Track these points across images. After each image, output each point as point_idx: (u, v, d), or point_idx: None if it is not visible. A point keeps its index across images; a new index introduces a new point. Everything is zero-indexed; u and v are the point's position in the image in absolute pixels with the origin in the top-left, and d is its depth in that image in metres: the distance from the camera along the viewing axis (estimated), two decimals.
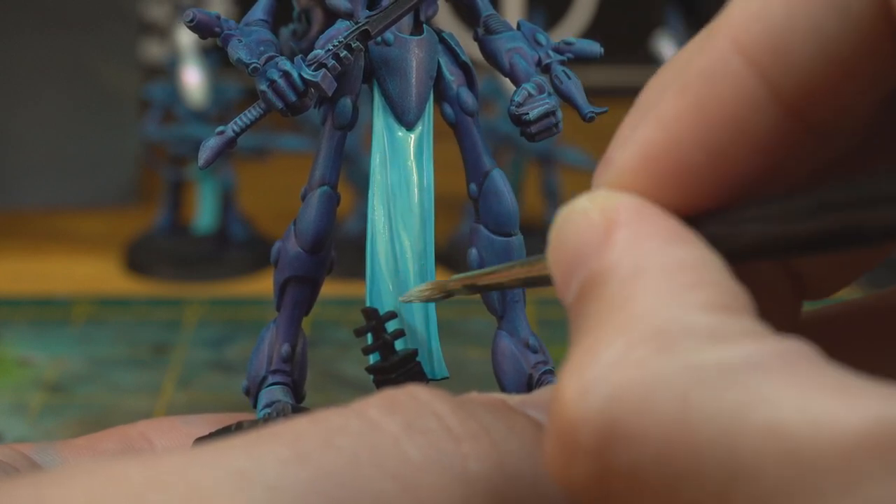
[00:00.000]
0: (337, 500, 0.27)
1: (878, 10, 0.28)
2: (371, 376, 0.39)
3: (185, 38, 0.90)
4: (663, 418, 0.26)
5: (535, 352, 0.41)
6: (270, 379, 0.41)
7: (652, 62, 0.94)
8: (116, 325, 0.79)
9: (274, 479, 0.27)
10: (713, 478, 0.25)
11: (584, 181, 1.05)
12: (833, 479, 0.24)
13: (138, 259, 0.89)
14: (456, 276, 0.38)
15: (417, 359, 0.39)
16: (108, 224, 0.97)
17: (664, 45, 0.92)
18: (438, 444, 0.29)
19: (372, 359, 0.39)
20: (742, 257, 0.29)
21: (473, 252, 0.41)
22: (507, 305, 0.41)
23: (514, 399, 0.32)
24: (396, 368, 0.38)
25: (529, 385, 0.41)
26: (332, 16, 0.40)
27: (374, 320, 0.38)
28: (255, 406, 0.41)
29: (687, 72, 0.30)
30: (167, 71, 0.91)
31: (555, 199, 0.90)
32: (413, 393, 0.30)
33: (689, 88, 0.29)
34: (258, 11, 0.40)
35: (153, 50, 1.10)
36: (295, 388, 0.41)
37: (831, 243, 0.28)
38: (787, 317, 0.33)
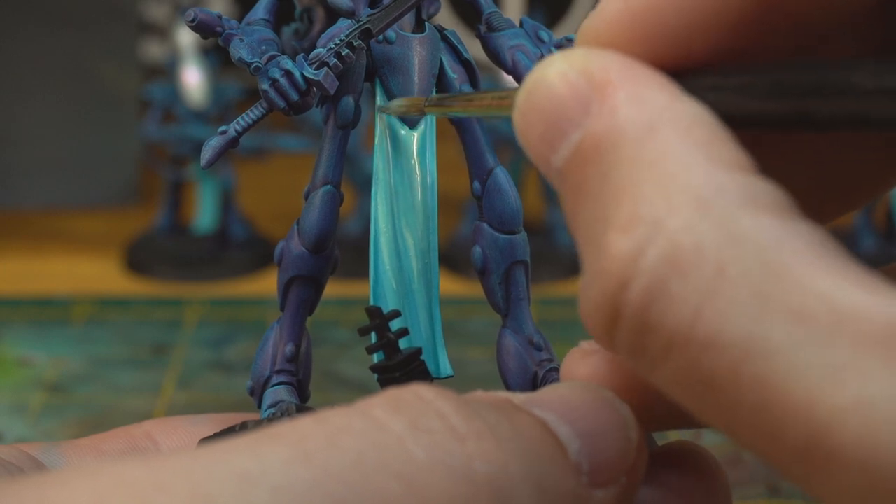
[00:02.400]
0: (342, 501, 0.27)
1: None
2: (375, 375, 0.39)
3: (185, 38, 0.90)
4: (700, 284, 0.27)
5: (539, 349, 0.41)
6: (275, 379, 0.41)
7: None
8: (116, 325, 0.79)
9: (278, 479, 0.27)
10: (732, 349, 0.26)
11: None
12: (846, 370, 0.25)
13: (138, 259, 0.89)
14: (431, 97, 0.38)
15: (421, 357, 0.39)
16: (108, 224, 0.97)
17: None
18: (443, 443, 0.28)
19: (376, 358, 0.39)
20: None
21: (477, 250, 0.41)
22: (512, 303, 0.41)
23: (520, 398, 0.31)
24: (400, 367, 0.38)
25: (534, 383, 0.41)
26: (333, 14, 0.40)
27: (378, 319, 0.38)
28: (259, 406, 0.41)
29: None
30: (167, 71, 0.91)
31: (555, 198, 0.90)
32: (417, 392, 0.30)
33: None
34: (260, 10, 0.40)
35: (153, 50, 1.10)
36: (300, 387, 0.41)
37: (782, 123, 0.28)
38: None
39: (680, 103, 0.28)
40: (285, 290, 0.41)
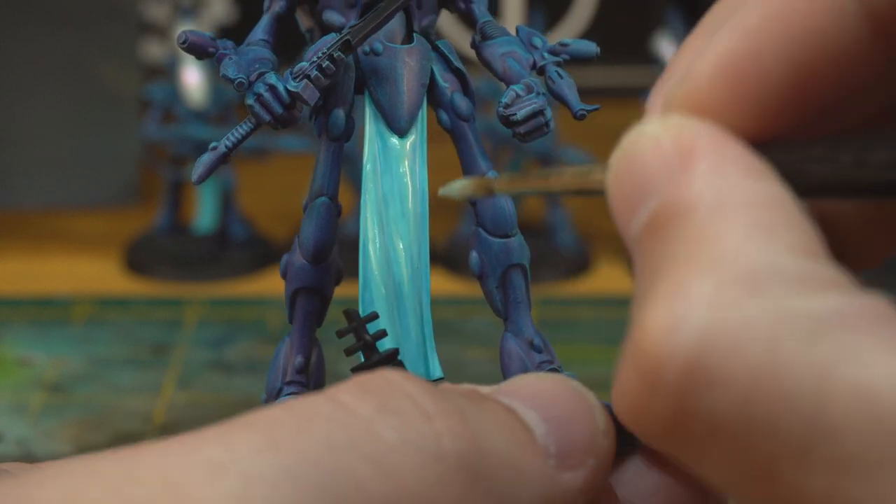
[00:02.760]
0: (313, 485, 0.27)
1: None
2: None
3: None
4: (751, 364, 0.25)
5: (539, 351, 0.41)
6: (285, 390, 0.42)
7: (652, 62, 0.94)
8: (116, 325, 0.79)
9: (249, 466, 0.27)
10: (794, 432, 0.25)
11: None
12: None
13: (138, 259, 0.89)
14: (502, 178, 0.37)
15: (399, 357, 0.39)
16: (108, 224, 0.97)
17: (664, 45, 0.92)
18: (412, 423, 0.29)
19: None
20: (805, 195, 0.29)
21: (474, 255, 0.41)
22: (510, 307, 0.42)
23: (487, 389, 0.32)
24: (377, 368, 0.38)
25: None
26: (328, 31, 0.41)
27: (355, 321, 0.39)
28: None
29: None
30: (167, 71, 0.91)
31: (555, 199, 0.90)
32: (385, 376, 0.30)
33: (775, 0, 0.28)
34: (259, 32, 0.41)
35: (153, 50, 1.10)
36: None
37: (864, 193, 0.28)
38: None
39: (755, 182, 0.28)
40: (292, 302, 0.42)
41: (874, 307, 0.26)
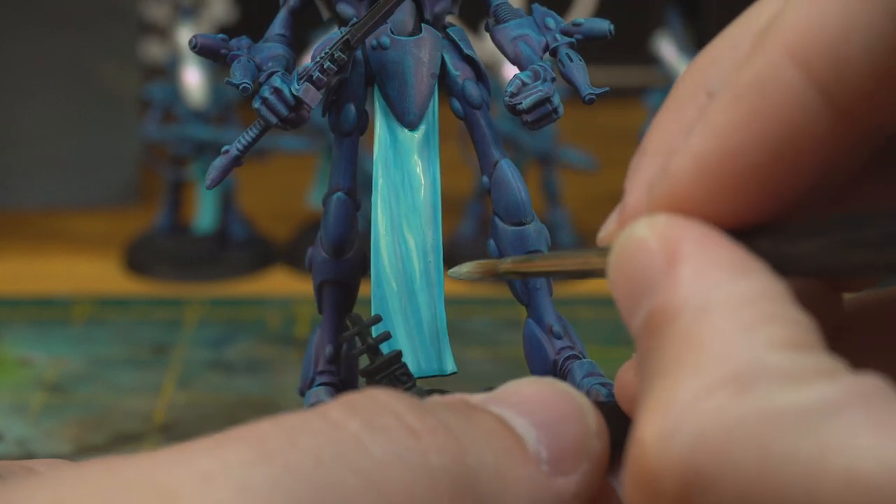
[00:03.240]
0: (302, 498, 0.27)
1: None
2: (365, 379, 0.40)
3: (185, 38, 0.90)
4: (744, 465, 0.26)
5: (559, 337, 0.42)
6: (318, 380, 0.42)
7: (652, 62, 0.94)
8: (116, 325, 0.79)
9: (240, 477, 0.27)
10: None
11: (584, 181, 1.05)
12: None
13: (138, 259, 0.89)
14: (507, 259, 0.38)
15: (402, 360, 0.39)
16: (108, 224, 0.97)
17: (664, 46, 0.92)
18: (399, 439, 0.29)
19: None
20: (797, 275, 0.29)
21: (491, 243, 0.42)
22: (531, 293, 0.42)
23: (476, 398, 0.32)
24: (381, 370, 0.39)
25: (554, 371, 0.41)
26: (344, 22, 0.41)
27: (359, 326, 0.39)
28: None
29: (739, 80, 0.30)
30: (167, 71, 0.91)
31: (555, 198, 0.90)
32: (371, 395, 0.30)
33: (743, 98, 0.29)
34: (276, 27, 0.41)
35: (153, 50, 1.10)
36: (343, 387, 0.42)
37: (886, 271, 0.29)
38: (828, 307, 0.33)
39: (740, 279, 0.28)
40: (319, 293, 0.42)
41: (862, 389, 0.26)
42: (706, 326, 0.28)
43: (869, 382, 0.26)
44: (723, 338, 0.28)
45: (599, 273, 0.32)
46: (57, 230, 0.96)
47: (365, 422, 0.29)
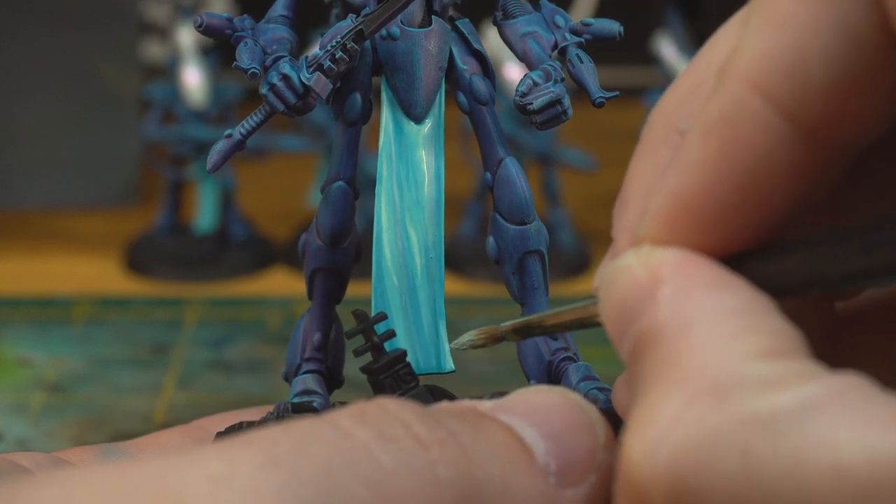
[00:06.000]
0: None
1: (879, 28, 0.28)
2: (366, 376, 0.39)
3: (186, 38, 0.90)
4: (727, 473, 0.26)
5: (554, 339, 0.41)
6: (304, 367, 0.42)
7: (652, 62, 0.94)
8: (116, 325, 0.79)
9: (248, 482, 0.27)
10: None
11: (584, 181, 1.05)
12: None
13: (138, 259, 0.89)
14: (506, 323, 0.38)
15: (406, 359, 0.39)
16: (108, 224, 0.97)
17: (664, 46, 0.92)
18: (408, 450, 0.29)
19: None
20: (785, 294, 0.30)
21: (491, 240, 0.41)
22: (527, 292, 0.42)
23: (486, 405, 0.32)
24: (385, 370, 0.38)
25: (549, 373, 0.41)
26: (350, 7, 0.41)
27: (363, 323, 0.39)
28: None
29: (706, 117, 0.30)
30: (167, 71, 0.91)
31: (555, 198, 0.90)
32: (381, 404, 0.30)
33: (711, 133, 0.30)
34: (279, 7, 0.41)
35: (153, 50, 1.10)
36: (330, 374, 0.42)
37: (874, 281, 0.29)
38: (821, 317, 0.34)
39: (718, 297, 0.29)
40: (310, 280, 0.42)
41: (841, 386, 0.26)
42: (687, 342, 0.28)
43: (847, 380, 0.27)
44: (703, 352, 0.28)
45: (597, 320, 0.33)
46: (57, 230, 0.96)
47: (374, 431, 0.29)
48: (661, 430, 0.27)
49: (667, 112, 0.33)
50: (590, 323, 0.35)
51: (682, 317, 0.29)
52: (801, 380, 0.27)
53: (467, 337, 0.39)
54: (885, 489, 0.25)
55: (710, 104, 0.30)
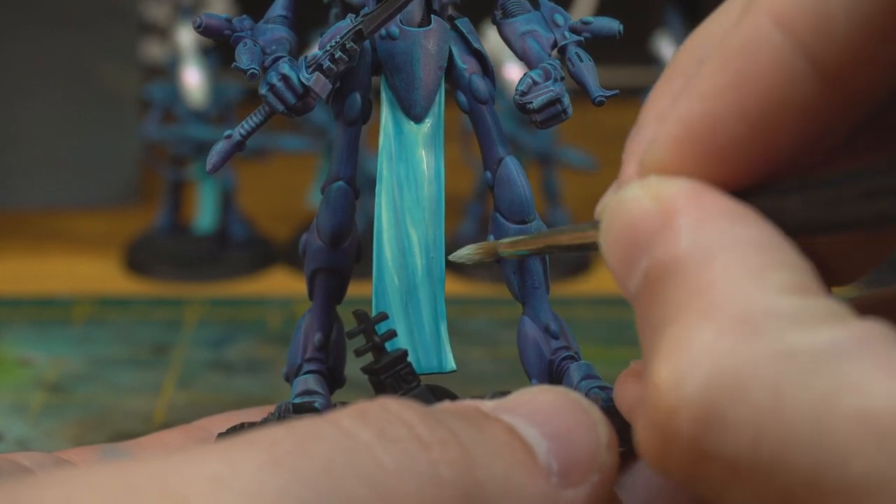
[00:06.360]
0: None
1: None
2: (367, 376, 0.39)
3: (186, 38, 0.90)
4: (757, 406, 0.26)
5: (555, 337, 0.41)
6: (305, 367, 0.42)
7: (652, 62, 0.94)
8: (116, 325, 0.79)
9: (249, 483, 0.27)
10: (804, 465, 0.26)
11: (584, 181, 1.05)
12: None
13: (138, 259, 0.89)
14: (505, 240, 0.39)
15: (407, 359, 0.39)
16: (108, 224, 0.97)
17: (664, 46, 0.92)
18: (410, 451, 0.29)
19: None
20: (787, 234, 0.30)
21: (491, 239, 0.41)
22: (528, 291, 0.42)
23: (488, 405, 0.32)
24: (386, 370, 0.38)
25: (550, 372, 0.41)
26: (349, 8, 0.40)
27: (364, 323, 0.39)
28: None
29: (725, 46, 0.30)
30: (167, 71, 0.91)
31: (555, 198, 0.90)
32: (383, 404, 0.30)
33: (729, 62, 0.30)
34: (278, 7, 0.41)
35: (153, 50, 1.10)
36: (331, 374, 0.42)
37: (873, 225, 0.29)
38: None
39: (739, 229, 0.29)
40: (311, 280, 0.42)
41: (869, 333, 0.27)
42: (712, 272, 0.28)
43: (876, 327, 0.27)
44: (731, 282, 0.28)
45: (596, 246, 0.32)
46: (57, 230, 0.96)
47: (376, 431, 0.29)
48: (693, 357, 0.27)
49: (693, 43, 0.33)
50: (587, 247, 0.34)
51: (702, 247, 0.29)
52: (831, 320, 0.27)
53: (466, 251, 0.39)
54: None
55: (732, 34, 0.30)
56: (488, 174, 0.41)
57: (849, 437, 0.25)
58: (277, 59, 0.39)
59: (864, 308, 0.35)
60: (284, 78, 0.38)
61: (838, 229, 0.30)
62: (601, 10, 1.11)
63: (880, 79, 0.30)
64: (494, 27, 0.42)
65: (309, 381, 0.41)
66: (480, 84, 0.41)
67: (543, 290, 0.42)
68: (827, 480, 0.26)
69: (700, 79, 0.30)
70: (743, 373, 0.27)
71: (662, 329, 0.29)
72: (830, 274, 0.34)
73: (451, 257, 0.40)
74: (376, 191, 0.40)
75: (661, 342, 0.28)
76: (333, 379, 0.42)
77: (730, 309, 0.28)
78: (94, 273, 0.89)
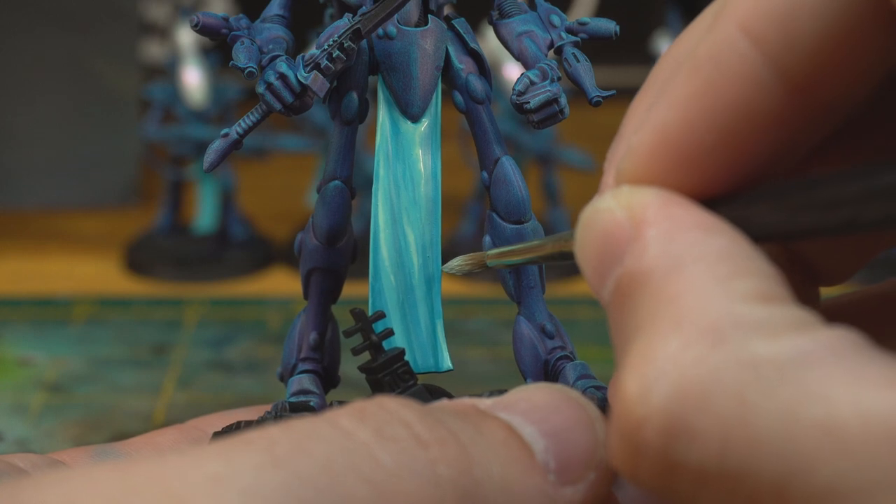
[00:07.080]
0: (311, 503, 0.27)
1: None
2: (364, 374, 0.40)
3: (186, 38, 0.90)
4: (723, 415, 0.27)
5: (551, 337, 0.42)
6: (300, 367, 0.42)
7: (652, 62, 0.94)
8: (116, 325, 0.79)
9: (248, 482, 0.27)
10: (770, 473, 0.26)
11: (583, 181, 1.05)
12: (886, 472, 0.25)
13: (138, 259, 0.89)
14: (492, 251, 0.39)
15: (405, 358, 0.39)
16: (108, 224, 0.97)
17: (664, 45, 0.92)
18: (408, 450, 0.29)
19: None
20: (756, 241, 0.30)
21: (487, 239, 0.42)
22: (523, 291, 0.42)
23: (485, 403, 0.32)
24: (384, 369, 0.39)
25: (546, 372, 0.41)
26: (345, 7, 0.41)
27: (362, 321, 0.39)
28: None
29: (696, 54, 0.30)
30: (167, 71, 0.91)
31: (555, 198, 0.90)
32: (381, 403, 0.30)
33: (698, 71, 0.30)
34: (274, 6, 0.41)
35: (153, 50, 1.10)
36: (326, 374, 0.42)
37: (841, 231, 0.29)
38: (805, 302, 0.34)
39: (708, 239, 0.29)
40: (306, 280, 0.42)
41: (836, 341, 0.27)
42: (680, 283, 0.28)
43: (842, 335, 0.27)
44: (698, 292, 0.28)
45: (572, 254, 0.33)
46: (57, 230, 0.96)
47: (375, 430, 0.29)
48: (659, 369, 0.27)
49: (673, 54, 0.33)
50: (569, 255, 0.35)
51: (671, 257, 0.29)
52: (798, 328, 0.27)
53: (457, 262, 0.40)
54: (873, 447, 0.25)
55: (702, 42, 0.30)
56: (485, 174, 0.41)
57: (813, 445, 0.25)
58: (275, 57, 0.39)
59: (851, 307, 0.35)
60: (282, 77, 0.38)
61: (807, 235, 0.30)
62: (601, 10, 1.11)
63: (847, 89, 0.30)
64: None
65: (303, 381, 0.42)
66: (477, 84, 0.41)
67: (539, 290, 0.42)
68: (793, 489, 0.26)
69: (672, 87, 0.30)
70: (708, 383, 0.27)
71: (632, 339, 0.29)
72: (818, 275, 0.34)
73: (444, 268, 0.40)
74: (373, 190, 0.40)
75: (629, 352, 0.29)
76: (328, 379, 0.43)
77: (696, 319, 0.28)
78: (94, 273, 0.89)
